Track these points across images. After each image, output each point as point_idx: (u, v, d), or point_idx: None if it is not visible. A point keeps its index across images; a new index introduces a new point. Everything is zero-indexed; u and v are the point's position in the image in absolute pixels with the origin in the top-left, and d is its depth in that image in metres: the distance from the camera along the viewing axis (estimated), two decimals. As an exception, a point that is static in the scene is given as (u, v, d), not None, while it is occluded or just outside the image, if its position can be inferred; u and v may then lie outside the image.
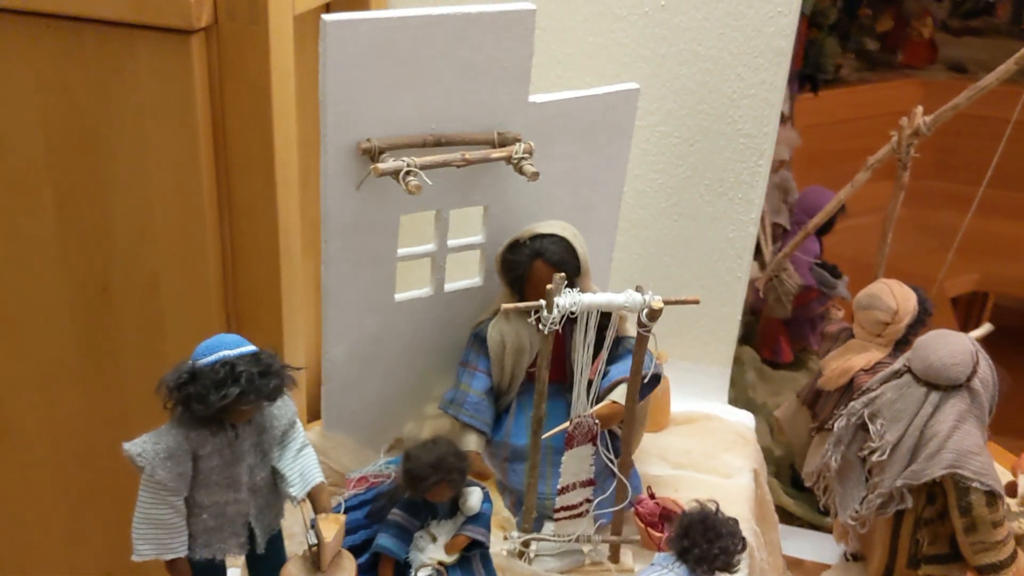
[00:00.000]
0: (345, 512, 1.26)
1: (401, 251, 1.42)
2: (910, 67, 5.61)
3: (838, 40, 5.40)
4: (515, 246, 1.39)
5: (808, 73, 5.12)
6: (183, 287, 1.46)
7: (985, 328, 1.94)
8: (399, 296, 1.45)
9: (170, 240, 1.44)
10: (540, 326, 1.25)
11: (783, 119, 3.45)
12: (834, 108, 5.19)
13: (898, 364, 1.71)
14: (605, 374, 1.39)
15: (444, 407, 1.43)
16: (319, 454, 1.49)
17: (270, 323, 1.48)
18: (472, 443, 1.41)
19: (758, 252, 2.72)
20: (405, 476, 1.22)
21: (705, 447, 1.68)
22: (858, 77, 5.39)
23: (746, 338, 2.63)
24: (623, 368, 1.39)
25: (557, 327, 1.25)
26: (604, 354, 1.38)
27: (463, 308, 1.49)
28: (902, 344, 1.95)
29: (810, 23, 4.90)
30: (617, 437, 1.49)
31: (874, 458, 1.66)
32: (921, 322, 1.93)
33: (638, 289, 1.27)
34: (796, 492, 2.19)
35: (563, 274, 1.27)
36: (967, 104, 1.93)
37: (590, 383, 1.35)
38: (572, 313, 1.26)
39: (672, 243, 1.72)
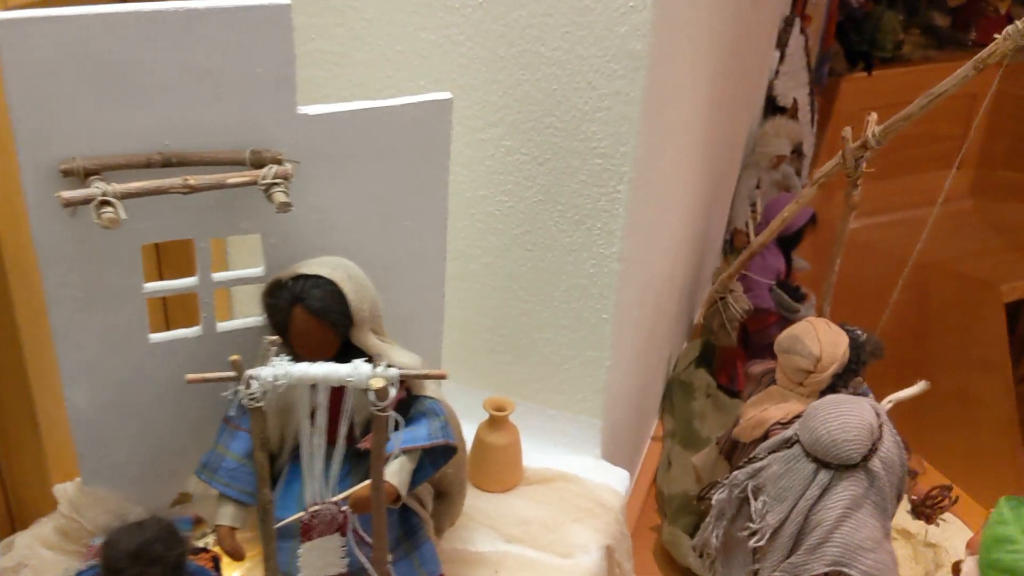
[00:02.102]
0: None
1: (150, 286, 1.21)
2: (983, 46, 5.10)
3: (903, 15, 4.95)
4: (275, 288, 1.16)
5: (863, 50, 4.71)
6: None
7: (916, 388, 1.63)
8: (155, 337, 1.24)
9: None
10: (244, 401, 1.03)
11: (786, 110, 3.12)
12: (893, 90, 4.75)
13: (791, 431, 1.44)
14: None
15: (198, 472, 1.21)
16: (74, 511, 1.31)
17: (7, 360, 1.29)
18: (227, 516, 1.19)
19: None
20: (102, 567, 1.02)
21: (550, 516, 1.43)
22: (922, 55, 4.93)
23: (706, 361, 2.36)
24: (412, 435, 1.16)
25: (259, 404, 1.02)
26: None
27: (244, 350, 1.27)
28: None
29: (868, -6, 4.50)
30: (414, 514, 1.27)
31: (751, 542, 1.39)
32: (853, 372, 1.64)
33: (370, 360, 1.03)
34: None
35: (275, 338, 1.04)
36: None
37: (358, 456, 1.13)
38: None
39: (528, 276, 1.47)
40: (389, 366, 1.12)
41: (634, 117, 1.29)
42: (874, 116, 1.68)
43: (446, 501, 1.34)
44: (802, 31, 3.20)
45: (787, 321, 2.21)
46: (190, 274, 1.22)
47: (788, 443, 1.42)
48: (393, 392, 1.01)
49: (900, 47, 4.85)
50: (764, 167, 2.80)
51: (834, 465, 1.36)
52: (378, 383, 0.99)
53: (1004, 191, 5.19)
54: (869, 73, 4.67)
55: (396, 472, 1.14)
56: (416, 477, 1.19)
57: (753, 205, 2.79)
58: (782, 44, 3.17)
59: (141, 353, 1.23)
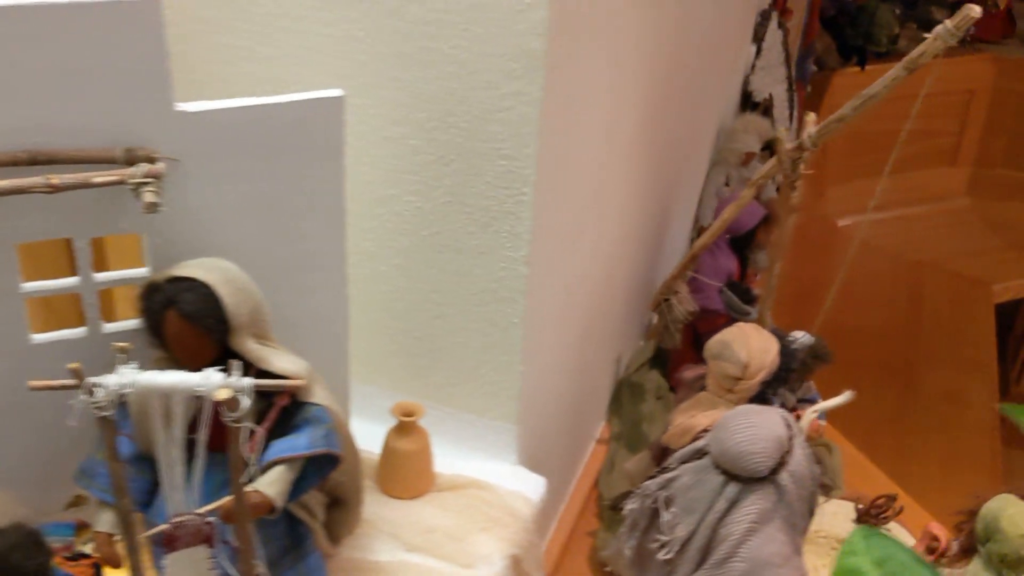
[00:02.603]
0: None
1: (28, 286, 1.18)
2: (982, 41, 5.03)
3: (900, 9, 4.87)
4: (149, 290, 1.13)
5: (857, 45, 4.63)
6: None
7: (842, 398, 1.59)
8: (38, 337, 1.21)
9: None
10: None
11: (758, 107, 3.06)
12: (888, 85, 4.68)
13: (703, 442, 1.40)
14: (265, 449, 1.14)
15: (75, 478, 1.19)
16: (-38, 512, 1.29)
17: None
18: (105, 523, 1.16)
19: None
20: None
21: (457, 524, 1.40)
22: (919, 50, 4.83)
23: (660, 363, 2.32)
24: (291, 444, 1.14)
25: (109, 413, 0.99)
26: (266, 425, 1.13)
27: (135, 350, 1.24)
28: (761, 403, 1.63)
29: (863, -12, 4.43)
30: (301, 523, 1.24)
31: (660, 555, 1.36)
32: (782, 380, 1.60)
33: (224, 369, 1.00)
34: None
35: (124, 345, 1.00)
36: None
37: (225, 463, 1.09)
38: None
39: (440, 279, 1.43)
40: (262, 372, 1.10)
41: (535, 118, 1.25)
42: (812, 116, 1.63)
43: (342, 509, 1.31)
44: (780, 25, 3.15)
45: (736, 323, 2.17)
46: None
47: (699, 454, 1.39)
48: (246, 402, 0.98)
49: (896, 42, 4.77)
50: (733, 164, 2.75)
51: (742, 478, 1.32)
52: (224, 394, 0.95)
53: (1002, 189, 5.11)
54: (862, 68, 4.59)
55: (273, 482, 1.12)
56: (300, 486, 1.16)
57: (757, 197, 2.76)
58: (758, 38, 3.12)
59: (24, 354, 1.21)
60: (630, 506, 1.43)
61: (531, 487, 1.50)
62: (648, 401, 2.23)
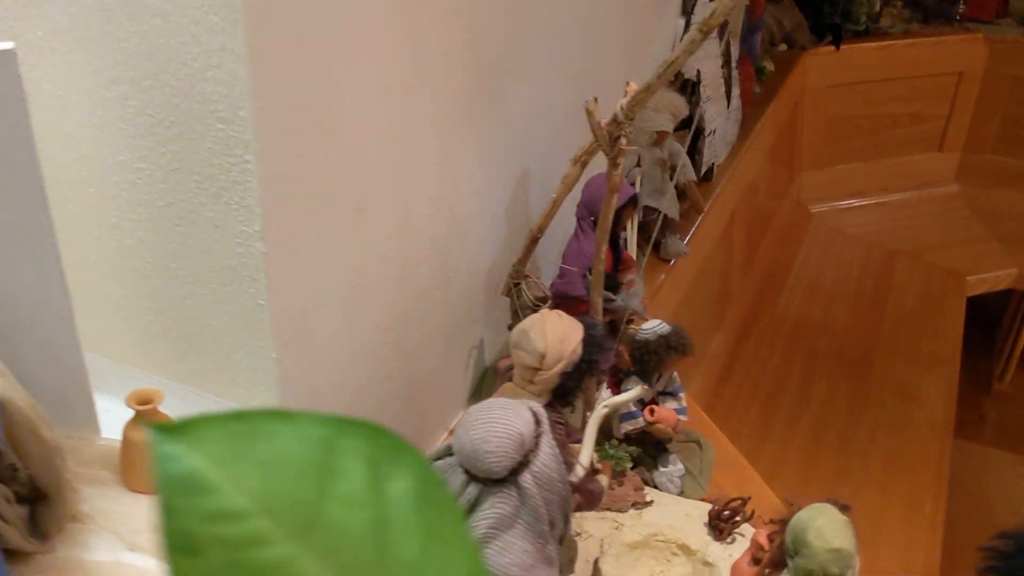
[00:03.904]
0: None
1: None
2: (973, 20, 4.80)
3: (884, -15, 4.65)
4: None
5: (833, 23, 4.43)
6: None
7: (634, 392, 1.46)
8: None
9: None
10: None
11: (673, 82, 2.90)
12: (864, 65, 4.49)
13: (454, 438, 1.27)
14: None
15: None
16: None
17: None
18: None
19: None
20: None
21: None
22: (904, 30, 4.63)
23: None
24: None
25: None
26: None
27: None
28: (566, 395, 1.50)
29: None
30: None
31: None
32: (585, 372, 1.47)
33: None
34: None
35: None
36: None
37: None
38: None
39: (182, 254, 1.32)
40: None
41: (246, 76, 1.13)
42: (632, 86, 1.49)
43: (45, 504, 1.21)
44: (713, -2, 2.98)
45: (603, 311, 2.03)
46: None
47: (451, 450, 1.26)
48: None
49: (877, 20, 4.57)
50: (644, 144, 2.60)
51: (481, 478, 1.20)
52: None
53: (992, 177, 4.88)
54: (837, 47, 4.40)
55: None
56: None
57: (632, 184, 2.61)
58: (687, 12, 2.97)
59: None
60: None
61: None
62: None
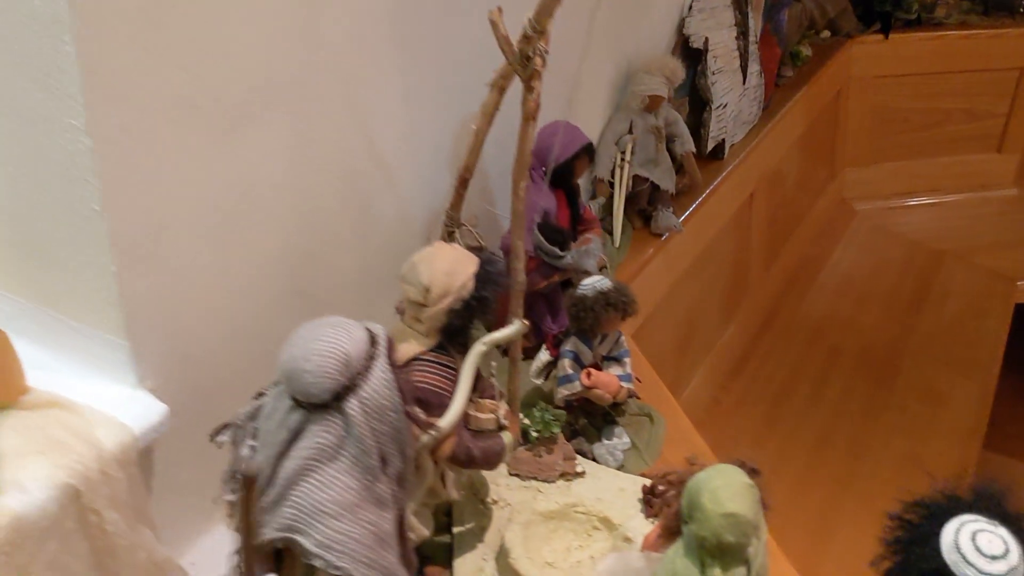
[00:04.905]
0: None
1: None
2: (1038, 13, 4.49)
3: (947, -27, 4.39)
4: None
5: (884, 10, 4.20)
6: None
7: (512, 328, 1.32)
8: None
9: None
10: None
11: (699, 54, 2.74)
12: (913, 57, 4.24)
13: (292, 363, 1.14)
14: None
15: None
16: None
17: None
18: None
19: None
20: None
21: (15, 445, 1.18)
22: (960, 20, 4.37)
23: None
24: None
25: None
26: None
27: None
28: (457, 336, 1.37)
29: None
30: None
31: (227, 496, 1.12)
32: (475, 310, 1.34)
33: None
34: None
35: None
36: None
37: None
38: None
39: (6, 146, 1.22)
40: None
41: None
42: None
43: None
44: (728, -35, 2.82)
45: (552, 268, 1.89)
46: None
47: (285, 376, 1.13)
48: None
49: (932, 10, 4.32)
50: (635, 109, 2.45)
51: (304, 403, 1.07)
52: None
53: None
54: (886, 36, 4.16)
55: None
56: None
57: (623, 153, 2.46)
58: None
59: None
60: (221, 439, 1.18)
61: (143, 416, 1.27)
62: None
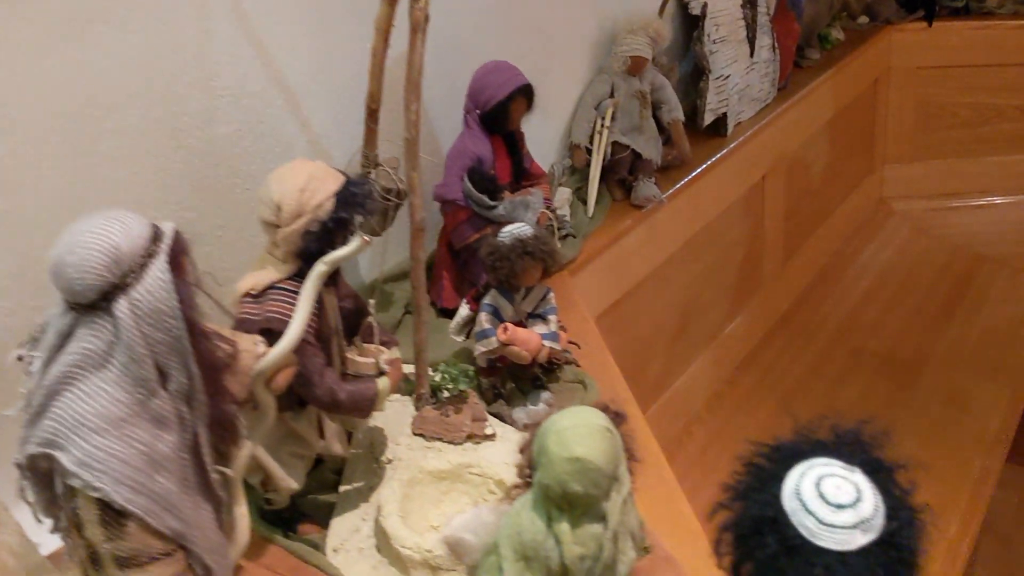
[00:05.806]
0: None
1: None
2: (1100, 5, 4.20)
3: (997, -41, 4.14)
4: None
5: (930, -2, 3.96)
6: None
7: (353, 245, 1.18)
8: None
9: None
10: None
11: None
12: (958, 46, 3.99)
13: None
14: None
15: None
16: None
17: None
18: None
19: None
20: None
21: None
22: (1013, 11, 4.11)
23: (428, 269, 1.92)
24: None
25: None
26: None
27: None
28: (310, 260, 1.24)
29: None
30: None
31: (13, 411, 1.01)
32: (333, 232, 1.21)
33: None
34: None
35: None
36: None
37: None
38: None
39: None
40: None
41: None
42: None
43: None
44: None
45: (485, 220, 1.75)
46: None
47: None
48: None
49: (982, -1, 4.07)
50: (617, 72, 2.30)
51: (74, 304, 0.94)
52: None
53: None
54: (929, 23, 3.92)
55: None
56: None
57: (603, 118, 2.31)
58: (698, -59, 2.64)
59: None
60: (18, 353, 1.06)
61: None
62: (394, 312, 1.84)
